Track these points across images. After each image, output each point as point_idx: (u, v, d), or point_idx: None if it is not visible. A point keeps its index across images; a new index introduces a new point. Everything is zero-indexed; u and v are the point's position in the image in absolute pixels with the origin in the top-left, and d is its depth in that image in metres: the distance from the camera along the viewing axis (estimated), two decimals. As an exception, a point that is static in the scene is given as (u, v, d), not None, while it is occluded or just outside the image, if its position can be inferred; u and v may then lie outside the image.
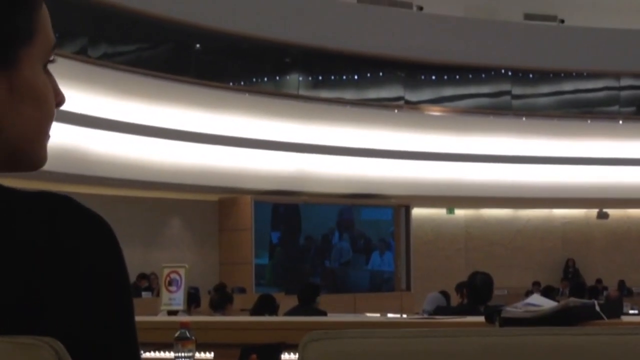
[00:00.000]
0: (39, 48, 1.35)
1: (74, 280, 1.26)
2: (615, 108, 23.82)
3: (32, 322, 1.22)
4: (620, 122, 23.25)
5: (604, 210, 24.24)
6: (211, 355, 4.97)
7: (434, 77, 22.66)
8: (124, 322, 1.30)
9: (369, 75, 21.94)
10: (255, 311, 9.68)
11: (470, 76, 22.87)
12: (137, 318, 1.33)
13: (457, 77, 22.73)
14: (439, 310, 8.38)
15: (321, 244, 21.22)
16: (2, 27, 1.32)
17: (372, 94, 21.87)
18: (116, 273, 1.30)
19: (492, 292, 7.67)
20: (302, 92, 20.84)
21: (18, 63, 1.33)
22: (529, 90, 23.37)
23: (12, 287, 1.24)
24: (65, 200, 1.29)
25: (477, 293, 7.58)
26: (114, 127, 16.44)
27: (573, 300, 3.85)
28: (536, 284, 20.42)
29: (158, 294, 7.13)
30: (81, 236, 1.27)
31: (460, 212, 23.84)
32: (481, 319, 4.39)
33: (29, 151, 1.37)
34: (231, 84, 19.82)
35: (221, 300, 10.00)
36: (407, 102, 22.05)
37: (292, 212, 20.60)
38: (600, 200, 22.97)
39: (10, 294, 1.24)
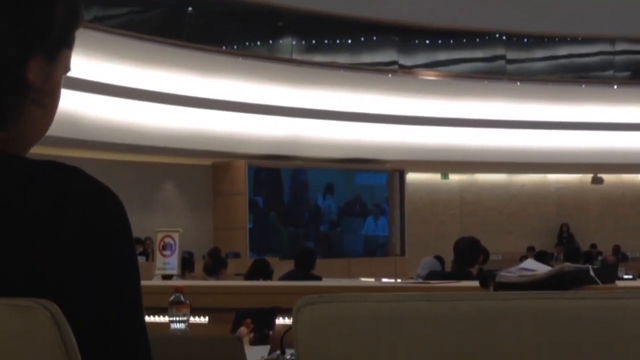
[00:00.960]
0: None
1: (82, 249, 1.27)
2: (610, 73, 23.78)
3: (40, 291, 1.23)
4: (615, 86, 23.22)
5: (599, 175, 24.26)
6: (206, 319, 4.98)
7: (428, 42, 22.59)
8: (130, 290, 1.32)
9: (362, 39, 21.88)
10: (249, 276, 9.70)
11: (465, 40, 22.81)
12: (131, 282, 1.34)
13: (452, 41, 22.66)
14: (432, 275, 8.40)
15: (315, 209, 21.23)
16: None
17: (366, 58, 21.81)
18: (124, 242, 1.32)
19: (479, 253, 7.68)
20: (295, 56, 20.76)
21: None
22: (523, 54, 23.32)
23: (20, 256, 1.25)
24: (74, 171, 1.31)
25: (462, 256, 7.60)
26: (107, 91, 16.40)
27: (567, 265, 3.86)
28: (531, 249, 20.47)
29: (153, 258, 7.15)
30: (90, 207, 1.29)
31: (454, 177, 23.86)
32: (475, 283, 4.40)
33: (27, 149, 1.45)
34: (224, 47, 19.74)
35: (215, 264, 10.02)
36: (401, 67, 21.99)
37: (287, 176, 20.59)
38: (595, 165, 22.99)
39: (18, 263, 1.25)
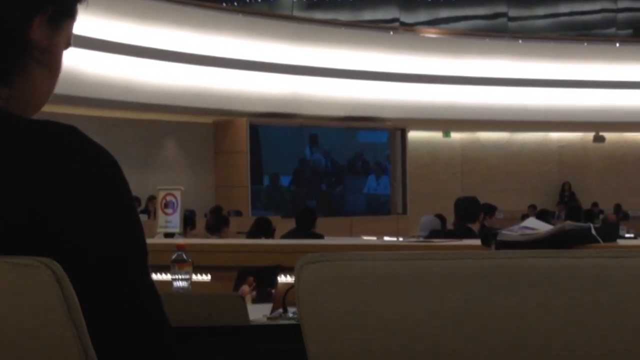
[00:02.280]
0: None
1: (80, 205, 1.28)
2: (612, 30, 23.70)
3: (41, 247, 1.23)
4: (617, 44, 23.13)
5: (600, 133, 24.22)
6: (208, 277, 4.99)
7: (430, -1, 22.52)
8: (133, 240, 1.34)
9: (364, -4, 21.81)
10: (251, 234, 9.71)
11: (467, -3, 22.74)
12: (133, 241, 1.34)
13: (453, -2, 22.59)
14: (434, 234, 8.41)
15: (317, 167, 21.23)
16: None
17: (367, 15, 21.73)
18: (122, 197, 1.33)
19: (480, 211, 7.68)
20: (296, 13, 20.69)
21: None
22: (525, 12, 23.23)
23: (20, 215, 1.26)
24: (70, 131, 1.32)
25: (462, 213, 7.60)
26: (107, 48, 16.35)
27: (569, 224, 3.85)
28: (532, 207, 20.48)
29: (154, 217, 7.15)
30: (86, 165, 1.30)
31: (456, 136, 23.82)
32: (477, 242, 4.40)
33: (32, 111, 1.46)
34: (224, 4, 19.66)
35: (217, 223, 10.03)
36: (403, 24, 21.91)
37: (286, 134, 20.56)
38: (597, 123, 22.96)
39: (19, 221, 1.26)
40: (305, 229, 8.97)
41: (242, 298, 3.36)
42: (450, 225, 9.99)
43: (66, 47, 1.51)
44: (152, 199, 16.61)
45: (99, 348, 1.22)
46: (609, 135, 24.20)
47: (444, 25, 22.42)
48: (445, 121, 22.04)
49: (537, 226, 3.88)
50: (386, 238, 7.20)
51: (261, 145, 20.02)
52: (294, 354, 1.71)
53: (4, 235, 1.26)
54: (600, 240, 3.75)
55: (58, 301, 1.18)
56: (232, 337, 1.84)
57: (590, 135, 24.34)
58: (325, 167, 21.14)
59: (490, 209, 9.56)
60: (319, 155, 20.92)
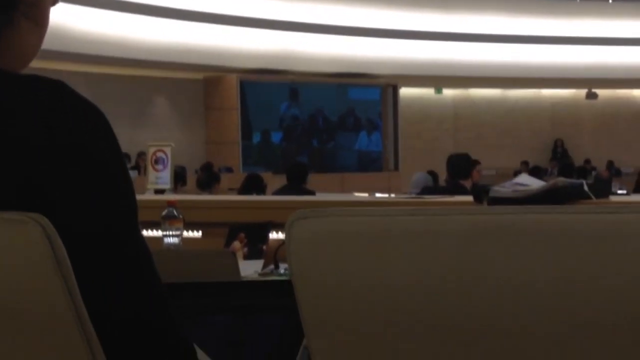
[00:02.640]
0: None
1: (68, 161, 1.27)
2: (606, -13, 23.62)
3: (30, 205, 1.23)
4: (610, 1, 23.06)
5: (593, 90, 24.22)
6: (199, 233, 4.99)
7: (422, -46, 22.36)
8: (123, 197, 1.33)
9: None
10: (242, 190, 9.71)
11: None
12: (123, 197, 1.34)
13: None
14: (426, 190, 8.42)
15: (308, 124, 21.21)
16: None
17: (360, -29, 21.60)
18: (111, 153, 1.32)
19: (472, 166, 7.70)
20: (288, -31, 20.57)
21: None
22: (518, -33, 23.12)
23: (9, 171, 1.25)
24: (58, 86, 1.30)
25: (454, 169, 7.61)
26: (97, 4, 16.27)
27: (561, 180, 3.85)
28: (524, 163, 20.52)
29: (145, 173, 7.15)
30: (74, 120, 1.29)
31: (448, 93, 23.80)
32: (469, 198, 4.41)
33: (20, 66, 1.44)
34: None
35: (208, 179, 10.03)
36: (396, -20, 21.80)
37: (279, 91, 20.53)
38: (589, 80, 22.94)
39: (7, 177, 1.25)
40: (296, 185, 8.96)
41: (234, 254, 3.36)
42: (442, 182, 10.01)
43: (53, 3, 1.49)
44: (142, 155, 16.60)
45: (89, 303, 1.22)
46: (601, 92, 24.20)
47: (436, -19, 22.31)
48: (438, 78, 22.01)
49: (529, 182, 3.88)
50: (378, 194, 7.20)
51: (252, 102, 19.98)
52: (285, 309, 1.71)
53: None
54: (593, 197, 3.75)
55: (47, 256, 1.18)
56: (224, 292, 1.84)
57: (582, 92, 24.34)
58: (303, 121, 21.07)
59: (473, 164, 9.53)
60: (297, 110, 20.87)
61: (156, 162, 5.82)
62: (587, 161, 21.32)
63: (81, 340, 1.21)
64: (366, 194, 7.04)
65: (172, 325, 1.35)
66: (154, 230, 4.32)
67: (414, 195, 6.96)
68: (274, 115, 20.60)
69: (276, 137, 20.70)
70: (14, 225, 1.18)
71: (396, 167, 22.03)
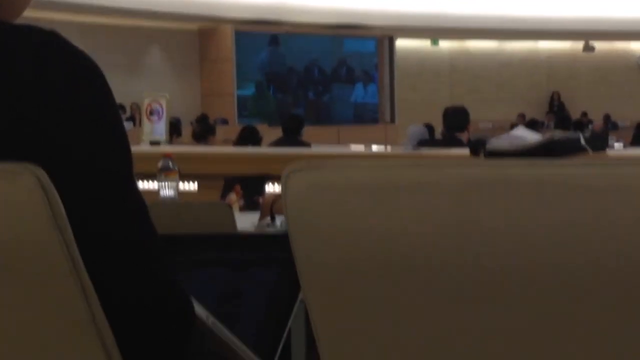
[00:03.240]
0: None
1: (62, 111, 1.26)
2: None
3: (22, 152, 1.22)
4: (608, -48, 22.94)
5: (590, 43, 24.15)
6: (195, 185, 5.00)
7: None
8: (119, 152, 1.32)
9: None
10: (238, 142, 9.71)
11: None
12: (117, 148, 1.34)
13: None
14: (422, 143, 8.42)
15: (304, 76, 21.15)
16: None
17: None
18: (106, 106, 1.31)
19: (469, 119, 7.68)
20: None
21: None
22: None
23: (1, 117, 1.24)
24: (51, 36, 1.29)
25: (451, 122, 7.59)
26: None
27: (558, 133, 3.86)
28: (521, 115, 20.52)
29: (140, 124, 7.14)
30: (66, 70, 1.27)
31: (444, 45, 23.72)
32: (466, 151, 4.41)
33: (14, 14, 1.42)
34: None
35: (203, 131, 10.01)
36: None
37: (273, 42, 20.45)
38: (586, 32, 22.87)
39: (2, 132, 1.24)
40: (292, 137, 8.95)
41: (230, 206, 3.37)
42: (438, 135, 10.01)
43: None
44: (136, 106, 16.57)
45: (85, 255, 1.22)
46: (598, 45, 24.13)
47: None
48: (434, 29, 21.93)
49: (526, 135, 3.89)
50: (374, 147, 7.21)
51: (247, 53, 19.91)
52: (282, 262, 1.72)
53: None
54: (590, 150, 3.76)
55: (43, 207, 1.17)
56: (220, 245, 1.84)
57: (579, 44, 24.27)
58: (298, 73, 21.00)
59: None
60: (292, 62, 20.78)
61: (151, 113, 5.81)
62: (584, 114, 21.30)
63: (78, 293, 1.21)
64: (362, 147, 7.05)
65: (169, 277, 1.35)
66: (150, 182, 4.32)
67: (410, 148, 6.97)
68: (269, 67, 20.53)
69: (271, 88, 20.66)
70: (8, 175, 1.17)
71: (392, 120, 22.02)
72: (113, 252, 1.30)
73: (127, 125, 15.88)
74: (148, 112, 5.82)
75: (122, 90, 16.41)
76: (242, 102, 19.93)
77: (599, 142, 4.04)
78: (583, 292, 1.10)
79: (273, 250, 1.76)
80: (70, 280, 1.20)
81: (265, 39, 20.11)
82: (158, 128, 5.83)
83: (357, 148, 7.30)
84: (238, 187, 4.27)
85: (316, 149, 7.09)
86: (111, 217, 1.30)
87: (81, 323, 1.23)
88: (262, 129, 11.73)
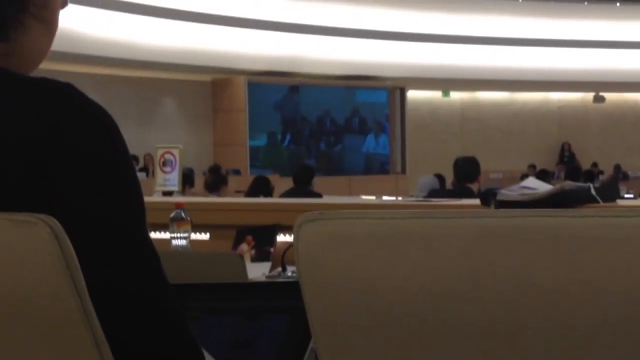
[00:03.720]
0: None
1: (77, 163, 1.28)
2: (613, -10, 23.59)
3: (37, 205, 1.23)
4: (618, 4, 23.03)
5: (600, 93, 24.19)
6: (207, 236, 5.00)
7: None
8: (132, 200, 1.33)
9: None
10: (250, 193, 9.72)
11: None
12: (131, 199, 1.34)
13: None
14: (433, 193, 8.41)
15: (316, 126, 21.21)
16: None
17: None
18: (120, 157, 1.32)
19: (479, 170, 7.68)
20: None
21: None
22: (526, -30, 23.10)
23: (17, 170, 1.26)
24: (66, 89, 1.31)
25: (462, 172, 7.60)
26: (106, 5, 16.30)
27: (569, 184, 3.86)
28: (532, 166, 20.49)
29: (153, 175, 7.16)
30: (82, 123, 1.29)
31: (456, 95, 23.79)
32: (476, 201, 4.41)
33: (29, 68, 1.45)
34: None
35: (216, 181, 10.03)
36: (403, -18, 21.80)
37: (287, 93, 20.53)
38: (597, 83, 22.92)
39: (15, 176, 1.26)
40: (302, 187, 8.97)
41: (241, 257, 3.37)
42: (449, 185, 10.01)
43: (63, 5, 1.50)
44: (150, 157, 16.62)
45: (97, 307, 1.22)
46: (609, 96, 24.16)
47: (444, -16, 22.30)
48: (445, 80, 22.01)
49: (536, 186, 3.89)
50: (385, 197, 7.20)
51: (259, 104, 19.99)
52: (292, 310, 1.72)
53: (3, 192, 1.25)
54: (600, 200, 3.75)
55: (56, 258, 1.18)
56: (231, 293, 1.84)
57: (590, 95, 24.31)
58: (311, 124, 21.04)
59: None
60: (304, 113, 20.82)
61: (164, 164, 5.83)
62: (595, 164, 21.28)
63: (91, 344, 1.21)
64: (373, 197, 7.04)
65: (181, 329, 1.35)
66: (162, 232, 4.32)
67: (421, 199, 6.96)
68: (281, 118, 20.60)
69: (283, 139, 20.70)
70: (23, 226, 1.18)
71: (403, 170, 22.02)
72: (125, 304, 1.31)
73: (141, 176, 15.89)
74: (161, 163, 5.83)
75: (135, 140, 16.49)
76: (254, 153, 19.99)
77: (610, 193, 4.03)
78: (594, 340, 1.10)
79: (284, 298, 1.76)
80: (82, 331, 1.21)
81: (278, 90, 20.21)
82: (171, 179, 5.83)
83: (368, 198, 7.30)
84: (250, 238, 4.27)
85: (327, 200, 7.08)
86: (123, 270, 1.30)
87: (93, 373, 1.23)
88: (274, 179, 11.75)
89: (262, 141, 20.32)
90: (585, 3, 22.67)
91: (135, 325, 1.31)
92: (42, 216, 1.18)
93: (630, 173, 21.09)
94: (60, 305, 1.20)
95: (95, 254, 1.27)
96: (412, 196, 11.38)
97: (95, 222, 1.28)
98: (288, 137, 20.79)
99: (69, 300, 1.19)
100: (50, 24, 1.46)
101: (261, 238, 4.30)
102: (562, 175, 16.98)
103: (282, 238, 4.41)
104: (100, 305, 1.23)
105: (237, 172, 17.97)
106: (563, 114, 24.46)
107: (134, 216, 1.32)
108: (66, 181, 1.26)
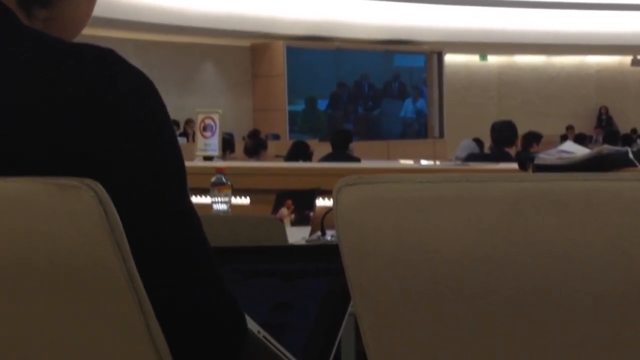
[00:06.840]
0: None
1: (117, 128, 1.28)
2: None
3: (79, 169, 1.25)
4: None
5: (638, 57, 23.93)
6: (247, 200, 5.02)
7: None
8: (173, 166, 1.34)
9: None
10: (289, 157, 9.73)
11: None
12: (172, 164, 1.36)
13: None
14: (471, 157, 8.40)
15: (354, 91, 21.15)
16: None
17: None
18: (157, 120, 1.33)
19: (516, 133, 7.67)
20: None
21: None
22: None
23: (58, 135, 1.26)
24: (107, 54, 1.31)
25: (499, 137, 7.58)
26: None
27: (606, 148, 3.84)
28: (570, 127, 20.36)
29: (193, 140, 7.19)
30: (122, 87, 1.30)
31: (493, 59, 23.63)
32: (514, 165, 4.40)
33: (71, 33, 1.47)
34: None
35: (255, 146, 10.05)
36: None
37: (325, 58, 20.48)
38: (635, 46, 22.68)
39: (57, 141, 1.26)
40: (341, 152, 8.98)
41: (281, 220, 3.39)
42: (487, 150, 9.98)
43: None
44: (190, 122, 16.67)
45: (141, 268, 1.24)
46: (647, 59, 23.92)
47: (482, -53, 22.11)
48: (482, 44, 21.86)
49: (574, 150, 3.87)
50: (423, 162, 7.18)
51: (298, 69, 19.96)
52: (332, 273, 1.73)
53: (45, 158, 1.26)
54: (638, 164, 3.74)
55: (101, 222, 1.19)
56: (272, 257, 1.85)
57: (628, 58, 24.06)
58: (349, 88, 21.00)
59: (536, 137, 9.59)
60: (342, 77, 20.77)
61: (205, 129, 5.85)
62: (633, 130, 21.11)
63: (135, 305, 1.23)
64: (411, 161, 7.03)
65: (223, 288, 1.37)
66: (203, 197, 4.35)
67: (459, 163, 6.95)
68: (319, 82, 20.56)
69: (322, 104, 20.68)
70: (68, 190, 1.19)
71: (441, 135, 21.95)
72: (167, 264, 1.32)
73: (181, 141, 15.97)
74: (201, 128, 5.85)
75: (175, 106, 16.53)
76: (293, 117, 19.98)
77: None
78: (635, 305, 1.11)
79: (324, 261, 1.77)
80: (126, 293, 1.22)
81: (316, 55, 20.15)
82: (211, 143, 5.86)
83: (406, 163, 7.28)
84: (289, 202, 4.29)
85: (366, 164, 7.08)
86: (165, 231, 1.32)
87: (137, 334, 1.25)
88: (313, 143, 11.75)
89: (300, 106, 20.30)
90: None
91: (177, 287, 1.33)
92: (87, 180, 1.19)
93: (669, 137, 20.89)
94: (105, 269, 1.21)
95: (137, 218, 1.28)
96: (450, 160, 11.35)
97: (135, 187, 1.29)
98: (326, 101, 20.75)
99: (113, 264, 1.21)
100: None
101: (301, 202, 4.32)
102: (600, 139, 16.86)
103: (321, 202, 4.42)
104: (143, 267, 1.25)
105: (276, 136, 17.99)
106: (600, 77, 24.24)
107: (175, 180, 1.33)
108: (106, 145, 1.27)
